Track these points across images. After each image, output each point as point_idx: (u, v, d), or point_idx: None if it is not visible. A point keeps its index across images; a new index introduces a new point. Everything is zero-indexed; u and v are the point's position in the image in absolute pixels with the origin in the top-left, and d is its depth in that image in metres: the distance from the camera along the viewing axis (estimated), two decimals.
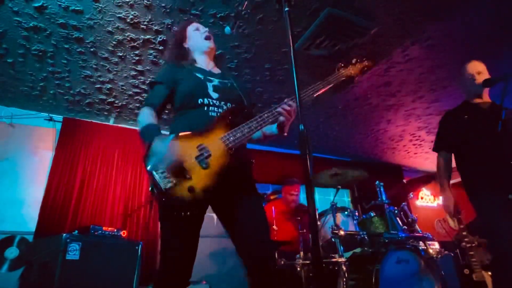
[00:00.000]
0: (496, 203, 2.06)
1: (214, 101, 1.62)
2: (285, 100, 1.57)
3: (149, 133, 1.47)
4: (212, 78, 1.72)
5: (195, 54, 1.83)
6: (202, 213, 1.52)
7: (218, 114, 1.59)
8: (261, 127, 1.54)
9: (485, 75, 2.35)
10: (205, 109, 1.59)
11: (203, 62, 1.82)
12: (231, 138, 1.47)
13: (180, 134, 1.46)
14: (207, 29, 1.89)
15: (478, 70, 2.36)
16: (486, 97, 2.36)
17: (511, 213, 1.99)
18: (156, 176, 1.34)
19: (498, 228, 2.02)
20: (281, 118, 1.57)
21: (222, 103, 1.64)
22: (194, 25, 1.91)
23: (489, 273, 3.03)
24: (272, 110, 1.55)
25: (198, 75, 1.70)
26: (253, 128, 1.51)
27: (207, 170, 1.41)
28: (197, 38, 1.85)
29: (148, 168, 1.37)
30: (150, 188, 1.39)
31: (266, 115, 1.54)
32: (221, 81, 1.74)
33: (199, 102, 1.60)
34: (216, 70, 1.85)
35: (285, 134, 1.63)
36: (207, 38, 1.85)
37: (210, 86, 1.67)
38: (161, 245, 1.51)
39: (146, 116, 1.57)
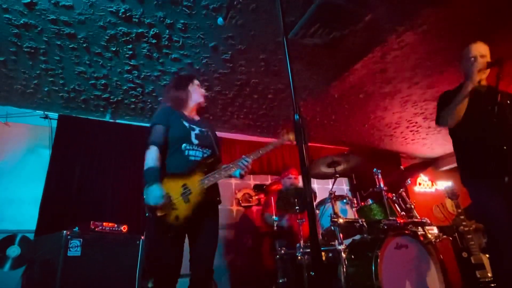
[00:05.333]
0: (492, 187, 2.07)
1: (194, 146, 2.16)
2: (243, 156, 2.14)
3: (149, 176, 2.01)
4: (194, 127, 2.23)
5: (189, 100, 2.33)
6: (184, 234, 2.06)
7: (196, 157, 2.14)
8: (228, 174, 2.12)
9: (488, 58, 2.27)
10: (186, 153, 2.12)
11: (190, 108, 2.34)
12: (206, 181, 2.04)
13: (170, 175, 2.04)
14: (204, 91, 2.44)
15: (481, 52, 2.28)
16: (483, 80, 2.31)
17: (506, 196, 2.00)
18: (152, 207, 1.91)
19: (493, 211, 2.04)
20: (241, 172, 2.15)
21: (200, 148, 2.18)
22: (197, 82, 2.43)
23: (487, 255, 3.08)
24: (235, 163, 2.13)
25: (185, 123, 2.20)
26: (222, 175, 2.10)
27: (188, 204, 1.97)
28: (197, 92, 2.38)
29: (146, 201, 1.93)
30: (146, 214, 1.96)
31: (231, 165, 2.13)
32: (200, 130, 2.25)
33: (183, 147, 2.13)
34: (196, 117, 2.38)
35: (244, 179, 2.24)
36: (204, 97, 2.42)
37: (192, 134, 2.19)
38: (155, 256, 2.08)
39: (152, 158, 2.07)
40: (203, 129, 2.27)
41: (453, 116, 2.24)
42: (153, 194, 1.92)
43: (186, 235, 2.11)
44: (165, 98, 2.41)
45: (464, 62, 2.35)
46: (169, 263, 1.98)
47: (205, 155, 2.18)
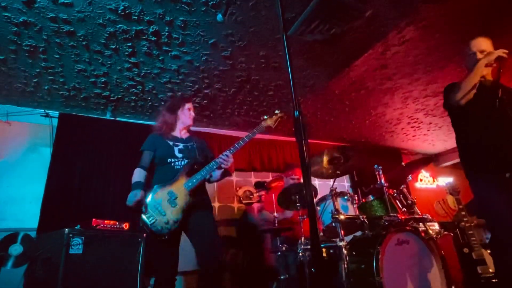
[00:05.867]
0: (493, 182, 2.06)
1: (179, 159, 2.44)
2: (224, 152, 2.32)
3: (133, 187, 2.33)
4: (178, 143, 2.53)
5: (178, 123, 2.64)
6: (178, 235, 2.29)
7: (181, 167, 2.38)
8: (209, 173, 2.35)
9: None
10: (172, 165, 2.41)
11: (179, 129, 2.64)
12: (190, 183, 2.27)
13: (158, 185, 2.30)
14: (194, 114, 2.72)
15: (481, 48, 2.27)
16: (488, 75, 2.28)
17: (508, 192, 2.00)
18: (144, 218, 2.18)
19: (495, 207, 2.03)
20: (223, 166, 2.33)
21: (184, 159, 2.44)
22: (190, 104, 2.70)
23: (488, 251, 3.08)
24: (216, 160, 2.32)
25: (169, 142, 2.51)
26: (204, 174, 2.31)
27: (175, 207, 2.20)
28: (186, 115, 2.66)
29: (136, 208, 2.22)
30: (140, 224, 2.19)
31: (212, 164, 2.32)
32: (184, 145, 2.53)
33: (168, 161, 2.43)
34: (185, 135, 2.66)
35: (232, 173, 2.50)
36: (193, 120, 2.69)
37: (176, 150, 2.48)
38: (154, 261, 2.30)
39: (137, 175, 2.44)
40: (188, 144, 2.56)
41: (465, 91, 2.15)
42: (131, 195, 2.26)
43: (185, 234, 2.30)
44: (157, 121, 2.73)
45: (466, 58, 2.35)
46: (165, 264, 2.21)
47: (189, 162, 2.42)
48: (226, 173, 2.45)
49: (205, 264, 2.16)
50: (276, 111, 2.68)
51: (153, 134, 2.63)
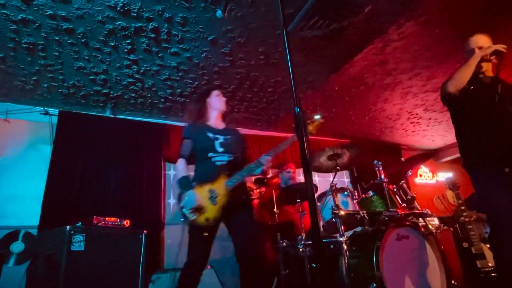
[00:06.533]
0: (493, 177, 2.07)
1: (219, 154, 2.36)
2: (262, 155, 2.29)
3: (183, 185, 2.30)
4: (218, 136, 2.43)
5: (211, 110, 2.54)
6: (216, 231, 2.29)
7: (222, 162, 2.34)
8: (250, 174, 2.34)
9: None
10: (212, 160, 2.34)
11: (214, 118, 2.53)
12: (229, 183, 2.24)
13: (198, 182, 2.27)
14: (225, 99, 2.62)
15: (479, 44, 2.27)
16: (489, 71, 2.28)
17: (508, 187, 2.00)
18: (186, 213, 2.18)
19: (495, 201, 2.04)
20: (263, 168, 2.31)
21: (225, 154, 2.37)
22: (217, 91, 2.61)
23: (488, 245, 3.10)
24: (256, 162, 2.29)
25: (209, 134, 2.41)
26: (245, 175, 2.29)
27: (216, 205, 2.20)
28: (217, 101, 2.57)
29: (181, 206, 2.21)
30: (182, 219, 2.22)
31: (252, 165, 2.30)
32: (225, 138, 2.44)
33: (209, 155, 2.35)
34: (222, 126, 2.55)
35: (268, 175, 2.54)
36: (224, 103, 2.59)
37: (217, 144, 2.39)
38: (188, 249, 2.28)
39: (181, 167, 2.41)
40: (228, 137, 2.47)
41: (456, 81, 2.19)
42: (189, 199, 2.21)
43: (226, 229, 2.39)
44: (187, 114, 2.70)
45: (465, 55, 2.36)
46: (201, 255, 2.25)
47: (230, 159, 2.37)
48: (262, 173, 2.44)
49: (241, 262, 2.21)
50: (317, 117, 2.63)
51: (190, 124, 2.56)
